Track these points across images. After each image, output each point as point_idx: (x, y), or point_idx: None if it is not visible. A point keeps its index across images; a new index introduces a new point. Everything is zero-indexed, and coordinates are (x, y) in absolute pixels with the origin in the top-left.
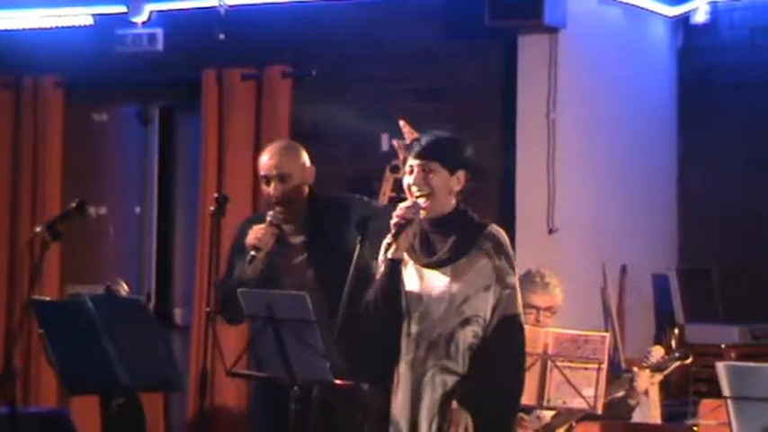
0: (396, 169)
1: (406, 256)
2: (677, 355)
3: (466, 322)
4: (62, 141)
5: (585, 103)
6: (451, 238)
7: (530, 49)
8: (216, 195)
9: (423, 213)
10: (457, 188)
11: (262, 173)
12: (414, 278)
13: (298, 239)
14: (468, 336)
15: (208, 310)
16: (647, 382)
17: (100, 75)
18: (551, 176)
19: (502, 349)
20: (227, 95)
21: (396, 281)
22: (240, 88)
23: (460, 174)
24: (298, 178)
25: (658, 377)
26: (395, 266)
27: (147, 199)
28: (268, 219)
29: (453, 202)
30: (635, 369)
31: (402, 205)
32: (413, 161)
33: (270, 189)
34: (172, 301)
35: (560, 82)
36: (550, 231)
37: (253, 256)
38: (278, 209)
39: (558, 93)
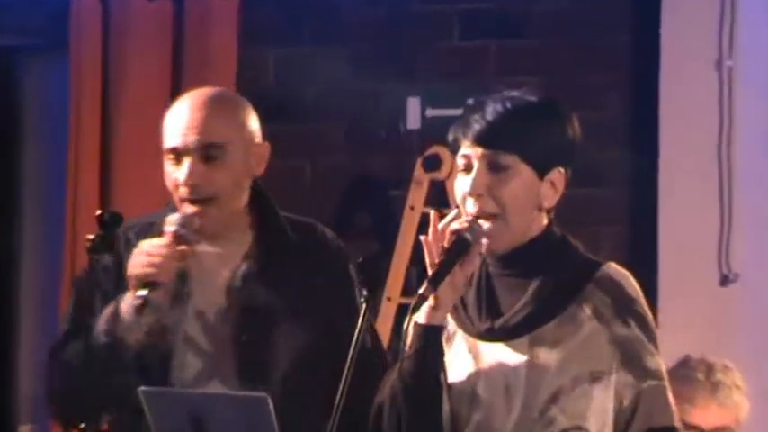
0: (433, 164)
1: (451, 321)
2: None
3: None
4: None
5: None
6: (533, 285)
7: None
8: (99, 213)
9: (484, 244)
10: (550, 199)
11: (170, 143)
12: (465, 361)
13: (226, 269)
14: None
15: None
16: None
17: None
18: (726, 182)
19: None
20: (117, 29)
21: (432, 364)
22: (143, 15)
23: (556, 174)
24: (237, 157)
25: None
26: (431, 339)
27: None
28: (170, 229)
29: (543, 222)
30: None
31: (453, 224)
32: (469, 149)
33: (181, 172)
34: (15, 416)
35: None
36: (724, 281)
37: (142, 301)
38: (192, 210)
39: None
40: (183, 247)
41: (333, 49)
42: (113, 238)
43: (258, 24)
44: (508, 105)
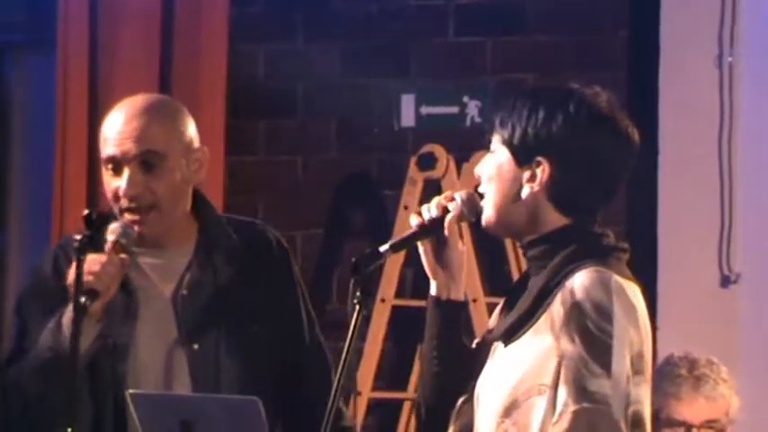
0: (428, 162)
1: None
2: None
3: None
4: None
5: None
6: (527, 290)
7: None
8: (86, 212)
9: (490, 216)
10: (528, 190)
11: (107, 151)
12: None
13: (172, 280)
14: None
15: None
16: None
17: None
18: (726, 181)
19: None
20: (104, 23)
21: (428, 331)
22: (131, 9)
23: (536, 164)
24: (177, 164)
25: None
26: (444, 316)
27: None
28: (111, 239)
29: (551, 218)
30: None
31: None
32: None
33: (119, 181)
34: None
35: None
36: (726, 282)
37: (81, 309)
38: (130, 218)
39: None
40: (123, 256)
41: (325, 44)
42: (102, 238)
43: (249, 19)
44: (518, 91)
